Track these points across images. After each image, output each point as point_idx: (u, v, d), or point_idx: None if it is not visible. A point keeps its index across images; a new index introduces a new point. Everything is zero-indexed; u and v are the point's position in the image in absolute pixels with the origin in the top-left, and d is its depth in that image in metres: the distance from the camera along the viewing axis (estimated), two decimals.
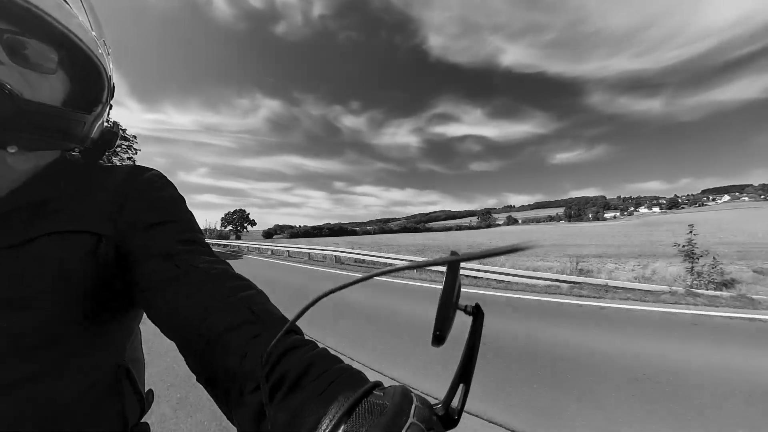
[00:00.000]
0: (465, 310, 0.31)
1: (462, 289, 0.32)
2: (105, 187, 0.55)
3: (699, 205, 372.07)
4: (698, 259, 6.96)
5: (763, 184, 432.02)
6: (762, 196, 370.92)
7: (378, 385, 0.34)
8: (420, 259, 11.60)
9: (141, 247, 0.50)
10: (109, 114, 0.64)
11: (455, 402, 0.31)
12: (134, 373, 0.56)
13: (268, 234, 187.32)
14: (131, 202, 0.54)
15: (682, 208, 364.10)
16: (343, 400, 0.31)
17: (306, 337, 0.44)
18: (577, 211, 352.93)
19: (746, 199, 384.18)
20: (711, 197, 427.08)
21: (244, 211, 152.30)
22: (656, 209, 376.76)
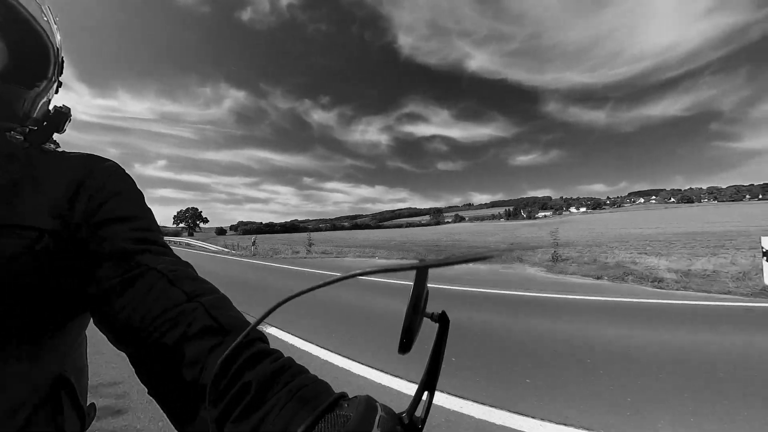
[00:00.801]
0: (431, 317, 0.30)
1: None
2: (53, 177, 0.48)
3: (617, 206, 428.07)
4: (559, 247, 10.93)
5: (674, 189, 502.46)
6: (671, 200, 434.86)
7: (343, 396, 0.33)
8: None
9: (93, 246, 0.45)
10: (57, 92, 0.58)
11: (420, 410, 0.31)
12: (75, 385, 0.49)
13: (221, 231, 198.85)
14: (84, 196, 0.48)
15: (603, 209, 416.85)
16: (305, 414, 0.30)
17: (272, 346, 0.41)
18: (514, 210, 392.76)
19: (653, 201, 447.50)
20: (633, 199, 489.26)
21: (197, 209, 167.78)
22: (583, 209, 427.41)
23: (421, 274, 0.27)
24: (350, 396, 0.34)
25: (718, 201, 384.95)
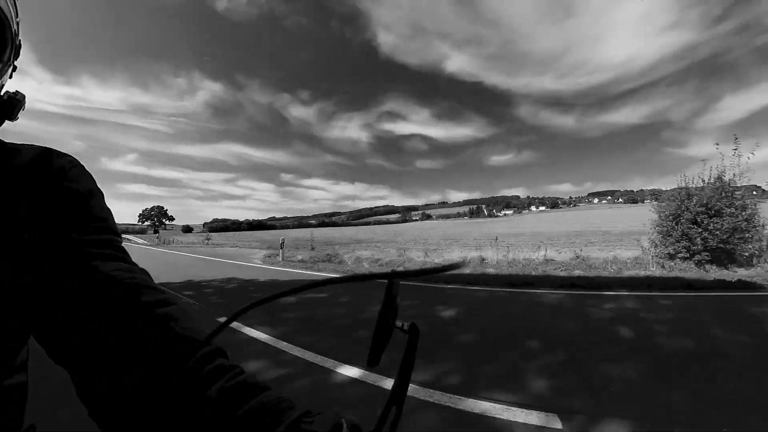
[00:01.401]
0: (401, 328, 0.30)
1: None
2: (1, 172, 0.44)
3: (573, 206, 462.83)
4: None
5: (627, 190, 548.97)
6: (619, 200, 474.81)
7: (308, 413, 0.32)
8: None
9: (44, 250, 0.41)
10: (11, 77, 0.53)
11: (387, 426, 0.31)
12: (10, 406, 0.43)
13: (187, 229, 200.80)
14: (36, 194, 0.43)
15: (560, 208, 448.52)
16: None
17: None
18: (477, 209, 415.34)
19: (605, 202, 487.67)
20: (590, 199, 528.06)
21: (162, 207, 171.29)
22: (542, 208, 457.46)
23: (393, 284, 0.27)
24: (315, 412, 0.33)
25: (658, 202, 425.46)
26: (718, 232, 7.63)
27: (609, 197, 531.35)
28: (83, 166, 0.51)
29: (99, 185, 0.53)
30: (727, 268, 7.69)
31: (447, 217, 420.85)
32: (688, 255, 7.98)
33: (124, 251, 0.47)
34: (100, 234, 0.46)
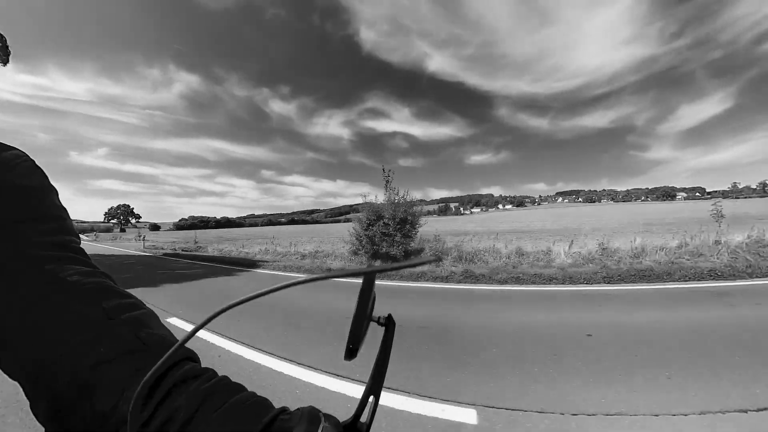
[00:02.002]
0: (378, 321, 0.31)
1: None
2: None
3: (537, 204, 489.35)
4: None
5: (591, 190, 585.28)
6: (579, 199, 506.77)
7: (284, 410, 0.32)
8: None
9: None
10: None
11: (365, 416, 0.32)
12: None
13: (155, 227, 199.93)
14: None
15: (525, 206, 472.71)
16: None
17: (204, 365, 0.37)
18: (445, 207, 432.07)
19: (566, 201, 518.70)
20: (555, 198, 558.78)
21: (128, 205, 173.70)
22: (509, 206, 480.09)
23: (369, 278, 0.27)
24: (293, 409, 0.32)
25: (614, 201, 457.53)
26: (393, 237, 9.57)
27: (573, 196, 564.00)
28: (34, 161, 0.47)
29: (68, 181, 0.58)
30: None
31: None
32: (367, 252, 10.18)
33: (82, 252, 0.44)
34: (54, 235, 0.42)
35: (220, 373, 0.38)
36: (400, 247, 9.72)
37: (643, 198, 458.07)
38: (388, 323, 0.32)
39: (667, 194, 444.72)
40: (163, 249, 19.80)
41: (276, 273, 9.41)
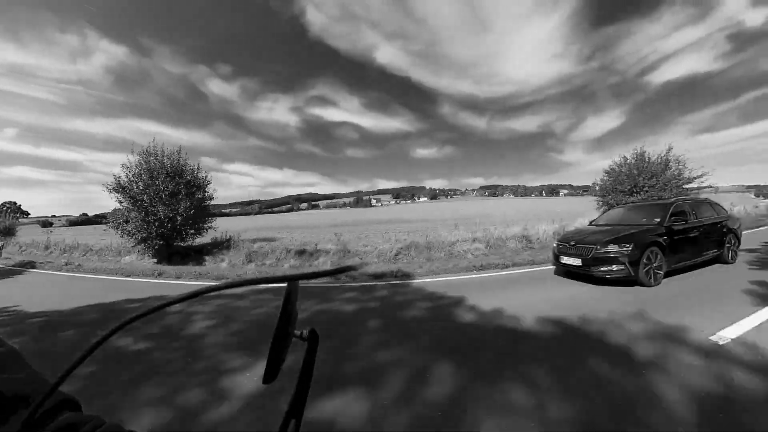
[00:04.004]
0: (300, 336, 0.30)
1: None
2: None
3: (449, 198, 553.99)
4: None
5: (510, 185, 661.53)
6: (486, 193, 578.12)
7: None
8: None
9: None
10: None
11: None
12: None
13: (46, 224, 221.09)
14: None
15: (438, 199, 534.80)
16: None
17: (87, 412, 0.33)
18: (358, 199, 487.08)
19: (475, 194, 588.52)
20: (474, 192, 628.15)
21: (15, 202, 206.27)
22: (423, 199, 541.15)
23: (292, 288, 0.25)
24: None
25: (514, 196, 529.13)
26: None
27: (494, 190, 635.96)
28: None
29: None
30: None
31: (333, 207, 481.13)
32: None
33: None
34: None
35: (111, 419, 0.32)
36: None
37: (536, 194, 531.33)
38: (311, 338, 0.30)
39: (553, 191, 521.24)
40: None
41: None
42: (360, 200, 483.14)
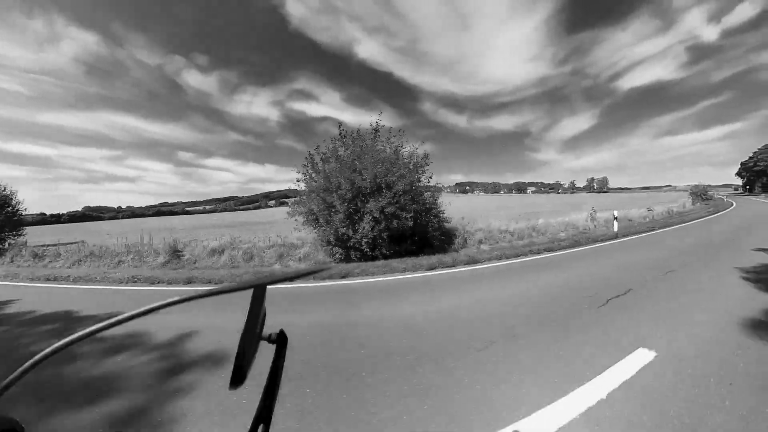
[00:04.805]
0: (269, 339, 0.29)
1: None
2: None
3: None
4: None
5: (486, 182, 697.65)
6: (457, 191, 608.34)
7: None
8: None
9: None
10: None
11: None
12: None
13: None
14: None
15: None
16: None
17: None
18: None
19: (448, 191, 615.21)
20: (450, 189, 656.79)
21: None
22: None
23: (259, 292, 0.25)
24: None
25: (485, 193, 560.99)
26: None
27: (468, 187, 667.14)
28: None
29: None
30: None
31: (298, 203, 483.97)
32: None
33: None
34: None
35: None
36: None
37: (504, 191, 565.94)
38: (280, 340, 0.30)
39: (521, 189, 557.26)
40: None
41: None
42: None
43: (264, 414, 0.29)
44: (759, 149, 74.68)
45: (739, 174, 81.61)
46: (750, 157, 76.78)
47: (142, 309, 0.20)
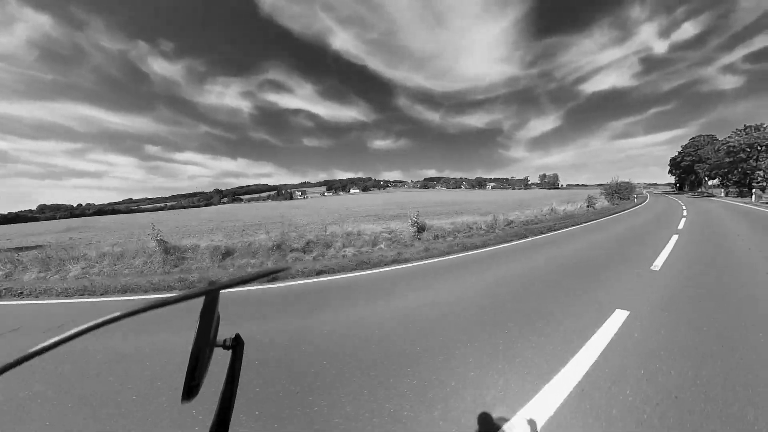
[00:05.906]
0: (224, 345, 0.28)
1: None
2: None
3: (382, 190, 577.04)
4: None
5: (455, 178, 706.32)
6: (418, 186, 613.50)
7: None
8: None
9: None
10: None
11: None
12: None
13: None
14: None
15: (371, 191, 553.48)
16: None
17: None
18: (279, 192, 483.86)
19: (410, 186, 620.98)
20: (419, 184, 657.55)
21: None
22: (356, 191, 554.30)
23: (211, 298, 0.24)
24: None
25: (447, 188, 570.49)
26: None
27: (434, 182, 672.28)
28: None
29: None
30: None
31: (256, 200, 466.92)
32: None
33: None
34: None
35: None
36: None
37: (464, 186, 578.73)
38: (236, 344, 0.28)
39: (480, 184, 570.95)
40: None
41: None
42: (280, 193, 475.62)
43: (221, 425, 0.27)
44: (686, 143, 77.40)
45: (670, 171, 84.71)
46: (679, 152, 79.55)
47: (69, 333, 0.17)
